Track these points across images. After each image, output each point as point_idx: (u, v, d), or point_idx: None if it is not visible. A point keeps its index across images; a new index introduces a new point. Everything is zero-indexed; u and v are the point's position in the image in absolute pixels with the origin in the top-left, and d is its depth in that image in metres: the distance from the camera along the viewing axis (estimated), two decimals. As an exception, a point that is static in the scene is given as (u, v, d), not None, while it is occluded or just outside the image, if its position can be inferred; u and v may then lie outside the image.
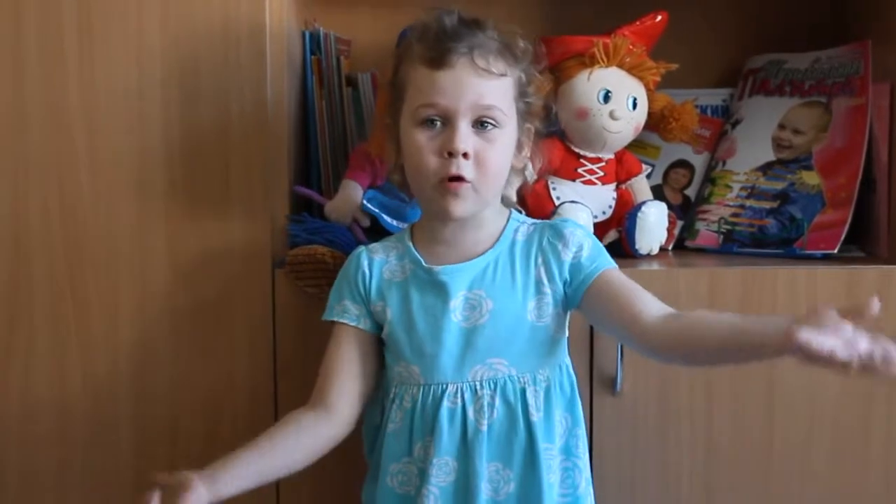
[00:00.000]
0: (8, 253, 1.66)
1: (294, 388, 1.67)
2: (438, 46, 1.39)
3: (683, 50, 1.92)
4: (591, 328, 1.64)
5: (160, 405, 1.68)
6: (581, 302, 1.44)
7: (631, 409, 1.66)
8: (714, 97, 2.06)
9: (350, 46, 1.98)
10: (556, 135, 1.84)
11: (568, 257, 1.44)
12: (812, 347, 1.08)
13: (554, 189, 1.81)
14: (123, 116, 1.64)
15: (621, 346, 1.63)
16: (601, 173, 1.83)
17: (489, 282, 1.44)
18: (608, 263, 1.45)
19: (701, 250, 1.88)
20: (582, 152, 1.83)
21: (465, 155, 1.38)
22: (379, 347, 1.50)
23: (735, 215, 1.88)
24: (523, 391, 1.43)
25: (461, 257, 1.46)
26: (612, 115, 1.79)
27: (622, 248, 1.77)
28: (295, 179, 1.76)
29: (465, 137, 1.38)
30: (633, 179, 1.87)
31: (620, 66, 1.82)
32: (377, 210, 1.71)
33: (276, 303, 1.66)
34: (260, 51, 1.63)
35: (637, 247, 1.75)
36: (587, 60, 1.81)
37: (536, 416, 1.43)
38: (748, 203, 1.87)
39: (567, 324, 1.48)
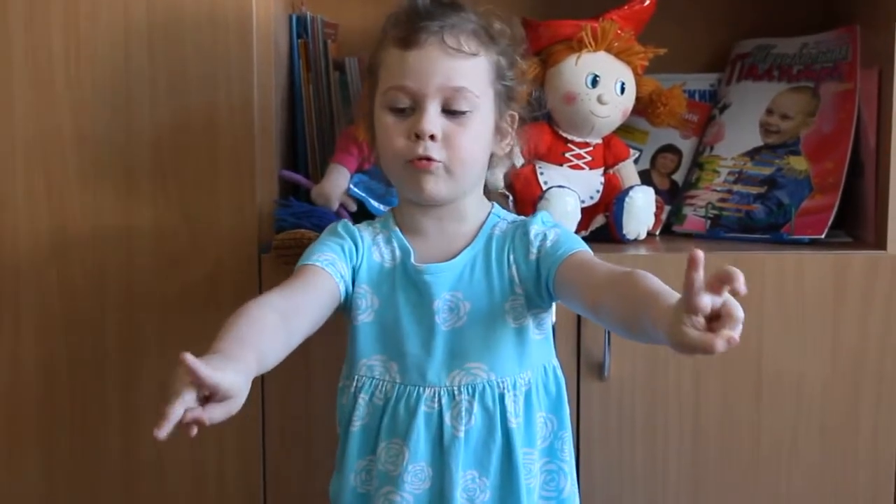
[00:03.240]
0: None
1: (280, 371, 1.66)
2: (409, 26, 1.37)
3: (672, 34, 1.92)
4: (578, 315, 1.64)
5: (147, 390, 1.67)
6: (555, 291, 1.38)
7: (618, 394, 1.66)
8: (702, 82, 2.05)
9: (337, 30, 1.97)
10: (544, 119, 1.84)
11: (533, 255, 1.41)
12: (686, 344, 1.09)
13: (541, 174, 1.81)
14: (110, 101, 1.63)
15: (608, 332, 1.63)
16: (589, 158, 1.82)
17: (467, 282, 1.42)
18: (575, 247, 1.39)
19: (688, 235, 1.88)
20: (569, 137, 1.82)
21: (432, 137, 1.35)
22: (328, 313, 1.39)
23: (722, 200, 1.88)
24: (502, 397, 1.40)
25: (443, 254, 1.43)
26: (599, 100, 1.79)
27: (609, 233, 1.76)
28: (282, 163, 1.76)
29: (433, 119, 1.36)
30: (621, 164, 1.87)
31: (608, 50, 1.82)
32: (364, 194, 1.71)
33: (262, 287, 1.65)
34: (247, 34, 1.63)
35: (624, 231, 1.74)
36: (575, 45, 1.81)
37: (515, 423, 1.40)
38: (736, 188, 1.87)
39: (550, 324, 1.46)
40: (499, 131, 1.44)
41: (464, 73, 1.37)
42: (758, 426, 1.67)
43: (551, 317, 1.47)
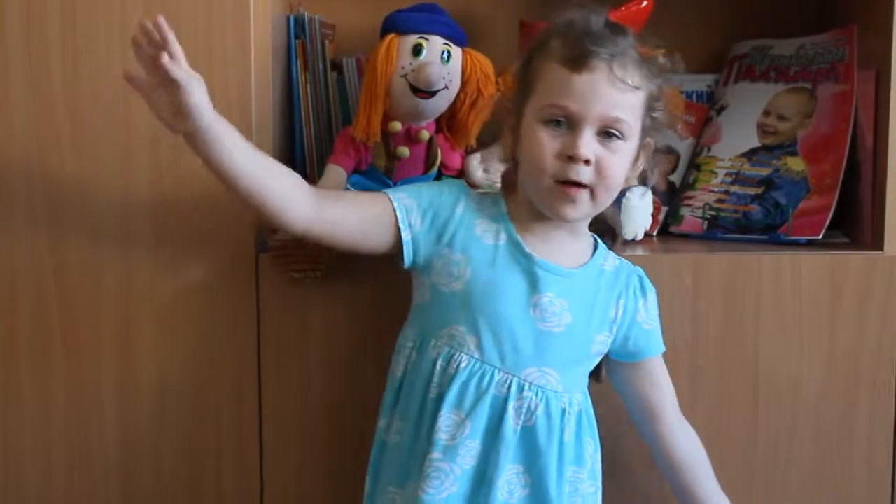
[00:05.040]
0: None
1: (278, 373, 1.66)
2: (580, 47, 1.38)
3: (669, 35, 1.91)
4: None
5: (144, 390, 1.67)
6: (617, 364, 1.54)
7: (614, 397, 1.65)
8: (699, 83, 2.05)
9: (335, 31, 1.97)
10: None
11: (640, 320, 1.50)
12: None
13: (539, 174, 1.81)
14: (106, 102, 1.62)
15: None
16: (586, 158, 1.82)
17: (576, 297, 1.45)
18: (660, 347, 1.54)
19: (685, 236, 1.88)
20: (567, 138, 1.82)
21: (586, 162, 1.37)
22: (386, 245, 1.45)
23: (720, 201, 1.88)
24: (563, 411, 1.44)
25: (553, 259, 1.45)
26: (597, 101, 1.78)
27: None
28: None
29: (589, 144, 1.37)
30: (619, 165, 1.87)
31: (606, 51, 1.81)
32: (361, 195, 1.71)
33: (260, 287, 1.65)
34: (244, 35, 1.62)
35: (622, 232, 1.74)
36: (572, 45, 1.81)
37: (568, 437, 1.44)
38: (733, 189, 1.88)
39: None
40: (636, 159, 1.46)
41: (625, 105, 1.39)
42: (754, 427, 1.68)
43: None
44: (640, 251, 1.73)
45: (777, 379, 1.67)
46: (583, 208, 1.41)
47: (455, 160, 1.80)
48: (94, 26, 1.62)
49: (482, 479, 1.42)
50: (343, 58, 1.90)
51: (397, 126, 1.72)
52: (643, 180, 1.53)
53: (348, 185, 1.71)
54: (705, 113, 2.01)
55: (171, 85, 1.30)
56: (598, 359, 1.52)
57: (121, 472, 1.69)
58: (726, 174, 1.90)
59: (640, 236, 1.78)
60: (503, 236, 1.45)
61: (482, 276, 1.43)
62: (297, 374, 1.66)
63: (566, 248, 1.47)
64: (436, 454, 1.41)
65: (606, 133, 1.38)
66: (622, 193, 1.74)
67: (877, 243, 1.70)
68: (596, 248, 1.51)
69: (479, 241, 1.45)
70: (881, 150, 1.71)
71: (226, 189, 1.38)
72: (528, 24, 1.88)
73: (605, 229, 1.57)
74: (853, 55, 1.84)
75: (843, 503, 1.69)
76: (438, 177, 1.79)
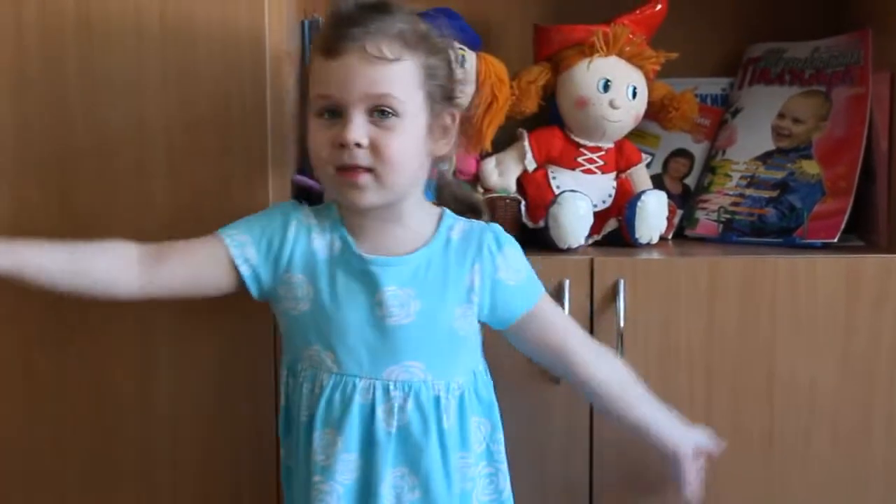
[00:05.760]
0: (9, 231, 1.65)
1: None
2: (332, 34, 1.35)
3: (683, 39, 1.92)
4: (591, 321, 1.64)
5: (160, 389, 1.68)
6: (507, 329, 1.47)
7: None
8: (714, 86, 2.06)
9: (349, 35, 1.97)
10: (556, 124, 1.84)
11: (502, 278, 1.43)
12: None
13: (554, 178, 1.81)
14: (123, 107, 1.63)
15: (621, 337, 1.63)
16: (601, 162, 1.83)
17: (420, 281, 1.40)
18: (534, 296, 1.47)
19: (700, 239, 1.88)
20: (581, 141, 1.83)
21: (358, 145, 1.33)
22: (225, 288, 1.46)
23: (735, 204, 1.88)
24: (437, 399, 1.40)
25: (389, 250, 1.41)
26: (611, 105, 1.79)
27: (622, 237, 1.77)
28: (294, 168, 1.76)
29: (357, 128, 1.33)
30: (633, 168, 1.87)
31: (620, 55, 1.82)
32: (376, 199, 1.71)
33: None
34: (259, 41, 1.62)
35: (637, 236, 1.75)
36: (587, 49, 1.82)
37: (448, 424, 1.40)
38: (748, 192, 1.87)
39: (479, 328, 1.48)
40: (434, 132, 1.41)
41: (387, 80, 1.34)
42: (769, 431, 1.67)
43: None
44: (655, 255, 1.73)
45: (793, 383, 1.66)
46: (370, 193, 1.36)
47: (470, 164, 1.80)
48: (109, 29, 1.63)
49: (367, 491, 1.40)
50: (357, 62, 1.90)
51: (412, 130, 1.72)
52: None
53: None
54: (720, 116, 2.02)
55: None
56: (471, 333, 1.45)
57: (138, 480, 1.69)
58: (741, 177, 1.90)
59: (655, 240, 1.78)
60: (337, 244, 1.43)
61: (325, 291, 1.41)
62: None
63: (400, 236, 1.42)
64: (316, 476, 1.40)
65: (379, 112, 1.34)
66: (637, 196, 1.74)
67: (892, 246, 1.69)
68: (441, 222, 1.45)
69: (316, 255, 1.43)
70: (896, 153, 1.71)
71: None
72: (542, 28, 1.89)
73: (466, 209, 1.51)
74: (868, 58, 1.84)
75: (860, 502, 1.69)
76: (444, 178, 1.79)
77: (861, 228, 1.81)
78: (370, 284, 1.40)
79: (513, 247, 1.45)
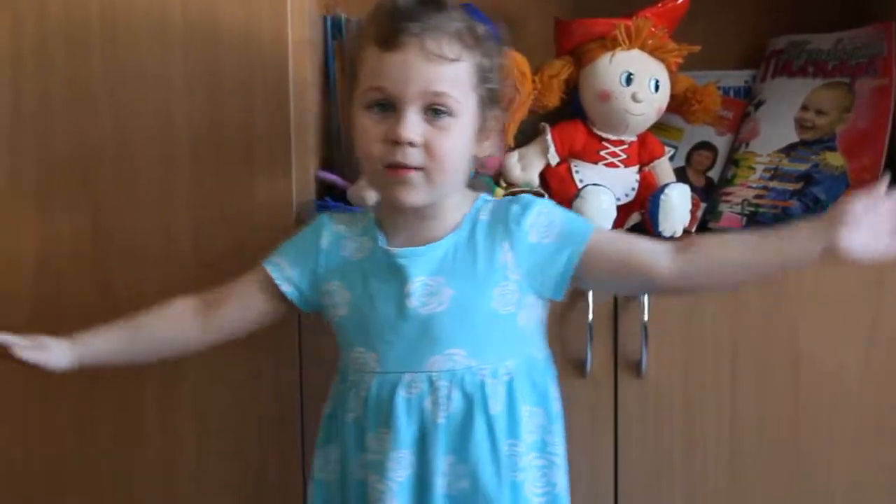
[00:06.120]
0: (35, 231, 1.68)
1: (318, 364, 1.67)
2: (389, 26, 1.33)
3: (705, 31, 1.91)
4: (615, 312, 1.64)
5: (184, 389, 1.69)
6: (575, 278, 1.39)
7: (655, 392, 1.66)
8: (736, 79, 2.05)
9: (371, 31, 1.97)
10: (579, 117, 1.84)
11: (535, 241, 1.39)
12: (856, 257, 1.30)
13: (577, 172, 1.81)
14: (148, 104, 1.64)
15: (646, 329, 1.62)
16: (624, 156, 1.82)
17: (449, 268, 1.39)
18: (587, 228, 1.41)
19: (723, 232, 1.88)
20: (604, 135, 1.82)
21: (411, 143, 1.33)
22: (285, 311, 1.50)
23: (758, 197, 1.87)
24: (482, 384, 1.38)
25: (419, 243, 1.41)
26: (634, 98, 1.79)
27: (645, 231, 1.76)
28: (318, 164, 1.77)
29: (412, 125, 1.32)
30: (656, 162, 1.87)
31: (642, 48, 1.81)
32: (400, 194, 1.71)
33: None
34: (282, 36, 1.63)
35: (660, 229, 1.74)
36: (609, 43, 1.81)
37: (495, 410, 1.38)
38: (772, 185, 1.87)
39: (541, 314, 1.45)
40: (481, 134, 1.41)
41: (445, 79, 1.33)
42: (796, 419, 1.67)
43: (543, 308, 1.46)
44: (679, 247, 1.72)
45: (819, 370, 1.66)
46: (419, 193, 1.35)
47: (492, 159, 1.80)
48: (132, 24, 1.63)
49: (422, 485, 1.39)
50: (380, 58, 1.90)
51: (434, 125, 1.73)
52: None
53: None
54: (743, 108, 2.01)
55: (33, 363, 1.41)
56: (521, 312, 1.41)
57: (162, 486, 1.71)
58: (765, 170, 1.90)
59: (679, 233, 1.77)
60: (368, 245, 1.44)
61: (358, 293, 1.42)
62: (335, 368, 1.67)
63: (430, 227, 1.41)
64: (373, 476, 1.40)
65: (433, 111, 1.33)
66: (661, 190, 1.74)
67: (918, 237, 1.68)
68: (472, 206, 1.44)
69: (348, 260, 1.44)
70: (920, 144, 1.70)
71: None
72: (563, 22, 1.89)
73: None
74: (891, 49, 1.84)
75: (889, 493, 1.68)
76: (476, 175, 1.79)
77: (886, 220, 1.80)
78: (399, 278, 1.39)
79: (538, 206, 1.42)
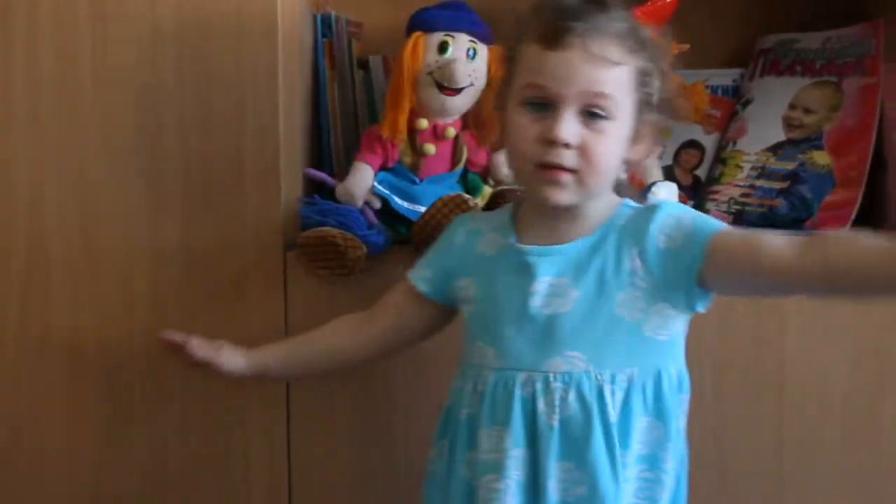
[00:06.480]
0: (24, 240, 1.68)
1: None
2: (554, 24, 1.30)
3: (694, 30, 1.91)
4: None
5: (174, 387, 1.69)
6: (707, 281, 1.32)
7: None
8: (724, 77, 2.05)
9: (361, 29, 1.98)
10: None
11: (663, 244, 1.34)
12: None
13: (564, 170, 1.82)
14: (137, 101, 1.65)
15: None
16: (612, 154, 1.83)
17: (578, 269, 1.36)
18: (712, 228, 1.33)
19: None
20: (592, 133, 1.83)
21: (566, 145, 1.30)
22: (437, 315, 1.51)
23: (745, 195, 1.88)
24: (600, 390, 1.34)
25: (551, 242, 1.38)
26: (622, 96, 1.79)
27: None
28: (307, 162, 1.78)
29: (569, 126, 1.30)
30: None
31: (631, 46, 1.82)
32: (388, 192, 1.72)
33: (288, 284, 1.67)
34: (272, 34, 1.64)
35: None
36: (598, 41, 1.81)
37: (614, 418, 1.33)
38: (759, 183, 1.88)
39: (680, 326, 1.39)
40: (634, 138, 1.37)
41: (606, 81, 1.30)
42: (780, 425, 1.67)
43: (683, 322, 1.40)
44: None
45: (804, 373, 1.66)
46: (569, 194, 1.33)
47: (481, 157, 1.81)
48: (123, 27, 1.64)
49: (536, 486, 1.35)
50: (369, 56, 1.91)
51: (424, 123, 1.74)
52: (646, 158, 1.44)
53: (375, 182, 1.73)
54: (731, 107, 2.02)
55: (204, 365, 1.53)
56: (643, 318, 1.35)
57: (150, 471, 1.72)
58: (752, 168, 1.90)
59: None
60: (500, 241, 1.43)
61: (486, 288, 1.41)
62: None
63: (565, 227, 1.38)
64: (489, 476, 1.37)
65: (591, 113, 1.30)
66: (648, 188, 1.75)
67: (903, 236, 1.69)
68: (615, 212, 1.39)
69: (481, 257, 1.44)
70: (906, 144, 1.71)
71: None
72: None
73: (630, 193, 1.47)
74: (879, 48, 1.84)
75: (871, 496, 1.68)
76: (464, 174, 1.80)
77: (872, 219, 1.81)
78: (527, 275, 1.38)
79: (667, 209, 1.37)
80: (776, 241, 1.28)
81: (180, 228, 1.66)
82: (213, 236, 1.66)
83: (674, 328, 1.38)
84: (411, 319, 1.52)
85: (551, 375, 1.35)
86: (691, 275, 1.32)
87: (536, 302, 1.36)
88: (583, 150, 1.31)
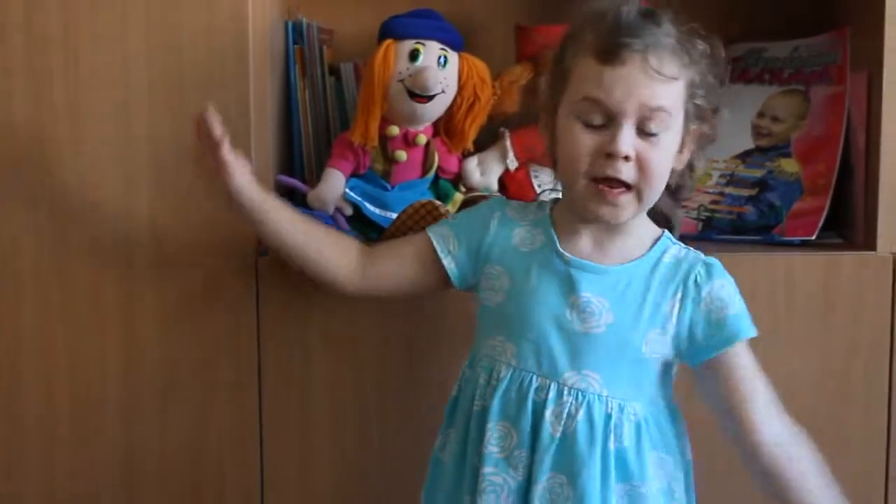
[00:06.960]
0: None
1: (278, 369, 1.68)
2: (611, 39, 1.32)
3: (664, 39, 1.92)
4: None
5: (146, 391, 1.69)
6: (698, 366, 1.41)
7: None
8: (694, 85, 2.06)
9: (333, 36, 1.98)
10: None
11: (704, 310, 1.39)
12: None
13: (535, 177, 1.83)
14: (108, 108, 1.64)
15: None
16: (582, 161, 1.84)
17: (618, 296, 1.38)
18: (739, 336, 1.40)
19: (680, 237, 1.89)
20: (563, 140, 1.83)
21: (626, 158, 1.32)
22: (435, 283, 1.50)
23: (714, 202, 1.89)
24: (609, 416, 1.37)
25: (594, 259, 1.40)
26: (593, 104, 1.80)
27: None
28: (278, 169, 1.77)
29: (629, 139, 1.31)
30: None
31: (601, 54, 1.83)
32: (359, 198, 1.73)
33: (260, 290, 1.67)
34: (243, 41, 1.63)
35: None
36: (568, 49, 1.82)
37: (614, 447, 1.37)
38: (727, 190, 1.89)
39: (675, 368, 1.45)
40: (680, 147, 1.40)
41: (663, 96, 1.33)
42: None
43: (677, 364, 1.46)
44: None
45: (771, 378, 1.66)
46: (628, 210, 1.36)
47: (452, 164, 1.82)
48: (95, 33, 1.63)
49: (527, 490, 1.38)
50: (341, 63, 1.91)
51: (395, 130, 1.74)
52: (690, 168, 1.46)
53: (346, 189, 1.73)
54: (700, 115, 2.03)
55: (221, 166, 1.43)
56: (661, 362, 1.41)
57: (123, 472, 1.71)
58: (721, 176, 1.91)
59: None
60: (540, 240, 1.43)
61: (518, 285, 1.41)
62: (297, 372, 1.68)
63: (609, 246, 1.41)
64: (488, 468, 1.39)
65: (646, 126, 1.33)
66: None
67: (869, 243, 1.70)
68: (656, 243, 1.43)
69: (517, 250, 1.43)
70: (873, 152, 1.72)
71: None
72: (524, 29, 1.90)
73: (659, 220, 1.48)
74: (846, 57, 1.86)
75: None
76: (435, 180, 1.81)
77: (839, 226, 1.82)
78: (567, 286, 1.39)
79: (723, 280, 1.41)
80: (762, 423, 1.40)
81: (151, 235, 1.66)
82: (184, 242, 1.66)
83: (673, 368, 1.45)
84: (410, 276, 1.51)
85: (566, 389, 1.37)
86: (699, 353, 1.41)
87: (573, 316, 1.38)
88: (639, 163, 1.33)
